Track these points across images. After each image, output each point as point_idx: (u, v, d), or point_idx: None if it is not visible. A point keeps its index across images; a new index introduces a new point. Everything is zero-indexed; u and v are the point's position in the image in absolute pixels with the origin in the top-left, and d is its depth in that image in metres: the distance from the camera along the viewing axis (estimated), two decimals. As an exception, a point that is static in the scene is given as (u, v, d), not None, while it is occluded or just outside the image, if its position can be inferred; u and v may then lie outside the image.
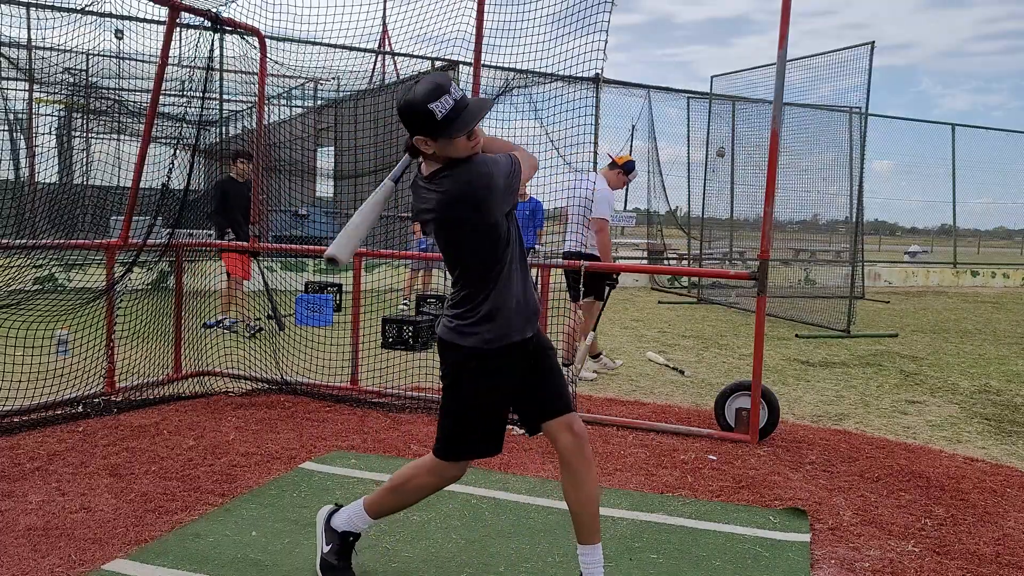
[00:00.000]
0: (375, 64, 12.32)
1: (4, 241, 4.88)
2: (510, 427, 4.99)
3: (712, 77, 13.62)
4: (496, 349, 2.62)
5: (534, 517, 3.53)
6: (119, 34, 8.80)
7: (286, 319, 7.98)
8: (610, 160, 6.74)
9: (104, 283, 5.29)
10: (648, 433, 4.96)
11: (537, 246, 10.67)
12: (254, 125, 6.49)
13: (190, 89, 5.52)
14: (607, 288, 6.09)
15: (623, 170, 6.71)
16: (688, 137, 15.11)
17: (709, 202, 14.18)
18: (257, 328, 7.63)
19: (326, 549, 2.87)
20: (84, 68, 6.54)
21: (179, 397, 5.43)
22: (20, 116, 8.66)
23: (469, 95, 2.57)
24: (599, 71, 4.91)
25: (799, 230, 15.43)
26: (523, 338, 2.67)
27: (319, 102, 11.90)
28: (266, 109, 6.64)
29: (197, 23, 5.50)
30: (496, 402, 2.71)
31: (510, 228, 2.64)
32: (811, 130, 12.36)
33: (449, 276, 2.75)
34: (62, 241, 5.25)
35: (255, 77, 6.22)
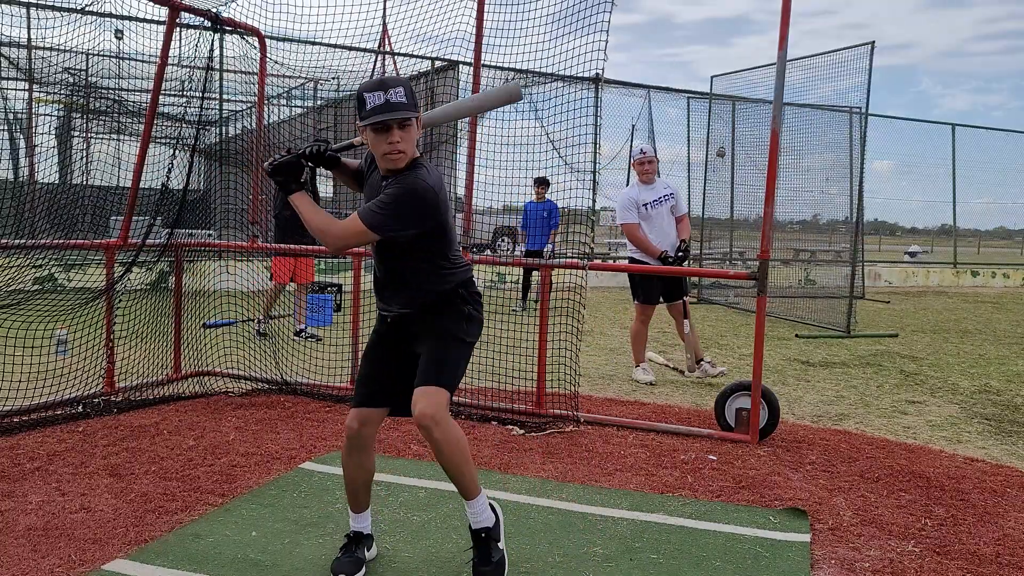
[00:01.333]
0: (375, 64, 12.32)
1: (4, 241, 4.87)
2: (510, 427, 5.00)
3: (712, 77, 13.63)
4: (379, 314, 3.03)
5: (534, 517, 3.53)
6: (119, 34, 8.79)
7: (286, 319, 7.98)
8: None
9: (103, 283, 5.29)
10: (648, 433, 4.96)
11: (549, 246, 10.68)
12: (254, 125, 6.49)
13: (190, 89, 5.52)
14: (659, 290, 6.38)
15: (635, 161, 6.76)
16: (688, 137, 15.11)
17: (709, 202, 14.17)
18: (261, 330, 7.65)
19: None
20: (84, 68, 6.54)
21: (179, 397, 5.43)
22: (20, 116, 8.65)
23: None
24: (599, 71, 4.90)
25: (799, 230, 15.42)
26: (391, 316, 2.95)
27: (319, 102, 11.89)
28: (266, 109, 6.64)
29: (197, 23, 5.50)
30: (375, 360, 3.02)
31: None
32: (811, 130, 12.35)
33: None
34: (62, 241, 5.25)
35: (255, 77, 6.22)
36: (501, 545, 2.94)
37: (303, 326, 7.97)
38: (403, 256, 2.87)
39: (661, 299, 6.59)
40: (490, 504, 2.98)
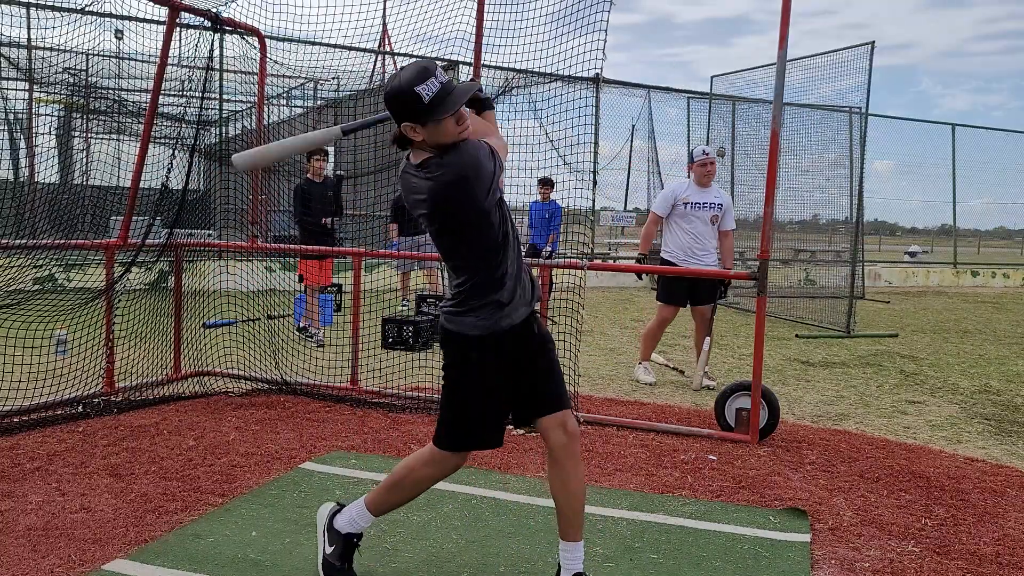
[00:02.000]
0: (375, 64, 12.32)
1: (4, 241, 4.87)
2: (510, 427, 5.00)
3: (712, 77, 13.64)
4: (493, 335, 2.63)
5: (534, 517, 3.53)
6: (119, 34, 8.80)
7: (286, 319, 7.98)
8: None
9: (103, 283, 5.29)
10: (648, 433, 4.96)
11: (548, 247, 10.66)
12: (254, 125, 6.49)
13: (189, 89, 5.52)
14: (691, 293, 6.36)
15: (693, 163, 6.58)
16: (688, 137, 15.12)
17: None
18: (315, 336, 7.69)
19: (329, 550, 2.86)
20: (84, 68, 6.54)
21: (179, 397, 5.43)
22: (20, 116, 8.66)
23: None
24: (599, 71, 4.90)
25: (799, 230, 15.43)
26: (520, 321, 2.69)
27: (319, 102, 11.90)
28: (266, 109, 6.64)
29: (197, 23, 5.50)
30: (495, 389, 2.71)
31: (502, 214, 2.63)
32: (811, 130, 12.35)
33: (447, 268, 2.75)
34: (62, 241, 5.25)
35: (255, 77, 6.23)
36: None
37: (313, 326, 7.94)
38: (515, 238, 2.68)
39: (689, 303, 6.40)
40: None
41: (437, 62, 2.63)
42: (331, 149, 8.66)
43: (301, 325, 8.00)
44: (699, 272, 6.14)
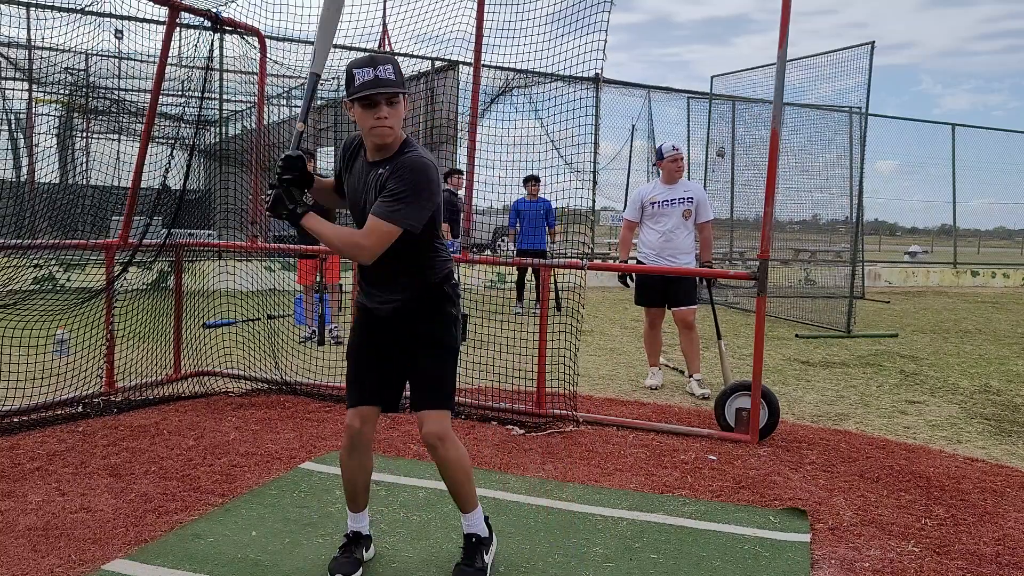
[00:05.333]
0: (375, 64, 12.30)
1: (3, 241, 4.87)
2: (510, 427, 5.00)
3: (712, 77, 13.64)
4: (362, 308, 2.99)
5: (534, 517, 3.53)
6: (119, 34, 8.79)
7: (286, 319, 7.97)
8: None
9: (103, 283, 5.29)
10: (648, 433, 4.95)
11: (551, 245, 10.62)
12: (254, 125, 6.49)
13: (189, 89, 5.52)
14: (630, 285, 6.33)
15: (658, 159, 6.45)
16: (688, 137, 15.12)
17: (709, 202, 14.17)
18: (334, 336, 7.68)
19: (487, 558, 3.00)
20: (84, 68, 6.54)
21: (179, 397, 5.43)
22: (20, 116, 8.65)
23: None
24: (599, 71, 4.90)
25: (799, 230, 15.43)
26: (383, 310, 2.92)
27: (319, 102, 11.89)
28: (266, 109, 6.63)
29: (197, 23, 5.50)
30: (362, 358, 3.01)
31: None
32: (811, 130, 12.35)
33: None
34: (61, 241, 5.25)
35: (255, 77, 6.22)
36: (487, 559, 2.97)
37: (333, 326, 7.92)
38: (396, 242, 2.77)
39: (668, 305, 6.26)
40: (487, 523, 3.03)
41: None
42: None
43: (332, 331, 7.93)
44: (701, 272, 6.09)
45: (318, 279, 7.79)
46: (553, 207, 10.11)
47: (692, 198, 6.28)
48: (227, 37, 6.41)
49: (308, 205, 2.81)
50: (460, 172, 8.31)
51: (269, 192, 2.79)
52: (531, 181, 9.97)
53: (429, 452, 2.88)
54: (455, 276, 3.03)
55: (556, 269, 6.84)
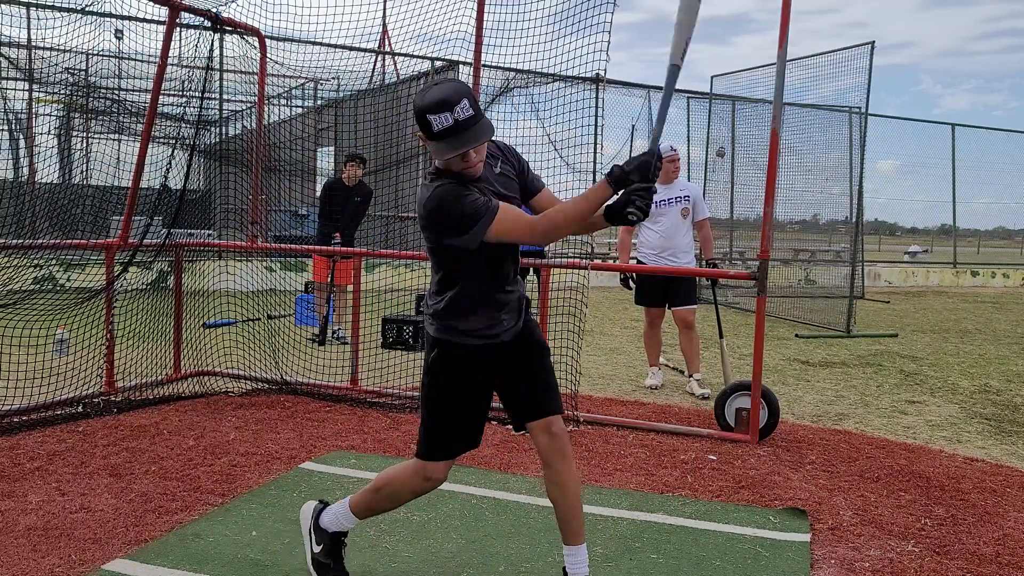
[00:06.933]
0: (375, 64, 12.33)
1: (3, 241, 4.87)
2: (510, 427, 4.99)
3: (712, 77, 13.64)
4: (469, 346, 2.65)
5: (534, 517, 3.53)
6: (119, 34, 8.80)
7: (286, 319, 7.98)
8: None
9: (103, 283, 5.29)
10: (648, 433, 4.95)
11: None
12: (254, 125, 6.49)
13: (189, 89, 5.52)
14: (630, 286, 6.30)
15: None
16: (688, 137, 15.11)
17: (709, 202, 14.17)
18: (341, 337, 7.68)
19: (316, 549, 2.86)
20: (84, 68, 6.54)
21: (179, 397, 5.43)
22: (20, 116, 8.66)
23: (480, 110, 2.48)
24: (600, 71, 4.90)
25: (799, 230, 15.43)
26: (500, 332, 2.67)
27: (319, 102, 11.90)
28: (266, 109, 6.64)
29: (197, 23, 5.50)
30: (472, 398, 2.73)
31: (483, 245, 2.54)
32: (811, 130, 12.36)
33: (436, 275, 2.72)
34: (61, 241, 5.25)
35: (255, 77, 6.22)
36: None
37: (338, 327, 7.92)
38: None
39: (668, 305, 6.24)
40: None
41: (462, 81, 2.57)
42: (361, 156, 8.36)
43: (338, 333, 7.90)
44: (701, 272, 6.09)
45: (330, 279, 7.77)
46: None
47: (689, 196, 6.31)
48: (227, 37, 6.42)
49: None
50: None
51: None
52: None
53: (556, 464, 2.72)
54: None
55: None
